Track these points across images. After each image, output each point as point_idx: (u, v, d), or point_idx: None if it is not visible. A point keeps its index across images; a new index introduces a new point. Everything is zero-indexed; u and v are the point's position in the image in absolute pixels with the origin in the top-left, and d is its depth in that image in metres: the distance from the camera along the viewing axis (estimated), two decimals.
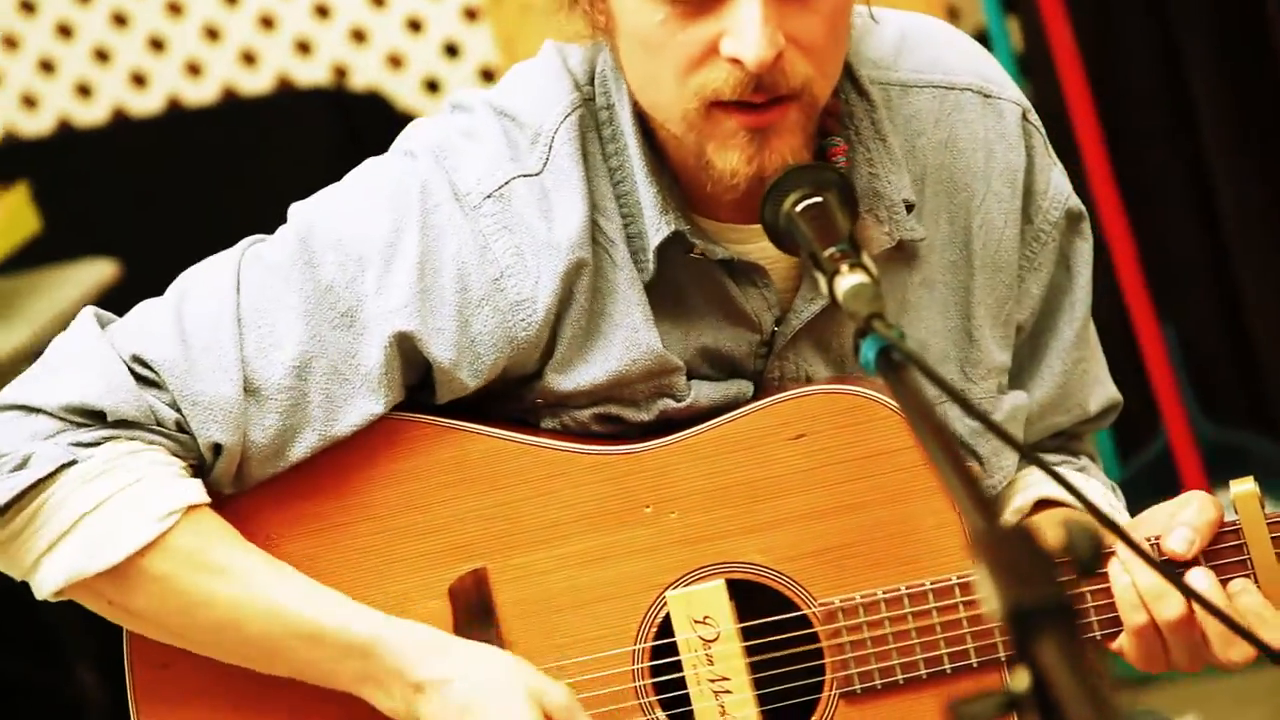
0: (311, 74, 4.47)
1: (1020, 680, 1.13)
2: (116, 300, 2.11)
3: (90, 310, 1.86)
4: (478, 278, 1.81)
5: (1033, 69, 4.30)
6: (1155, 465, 4.10)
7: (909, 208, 1.84)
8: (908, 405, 1.40)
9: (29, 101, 4.54)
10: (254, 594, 1.81)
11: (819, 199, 1.64)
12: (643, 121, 1.82)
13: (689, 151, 1.78)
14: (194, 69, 4.53)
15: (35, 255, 4.03)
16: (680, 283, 1.84)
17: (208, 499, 1.83)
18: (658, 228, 1.80)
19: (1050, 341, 1.95)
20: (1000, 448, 1.91)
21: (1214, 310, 4.29)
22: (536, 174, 1.82)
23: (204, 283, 1.85)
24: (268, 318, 1.82)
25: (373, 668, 1.81)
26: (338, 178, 1.93)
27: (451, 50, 4.46)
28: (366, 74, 4.46)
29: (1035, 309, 1.93)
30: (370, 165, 1.89)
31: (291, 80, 4.50)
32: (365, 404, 1.82)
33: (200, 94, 4.53)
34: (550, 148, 1.82)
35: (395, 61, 4.47)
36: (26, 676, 4.02)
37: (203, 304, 1.83)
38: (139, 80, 4.56)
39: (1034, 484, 1.94)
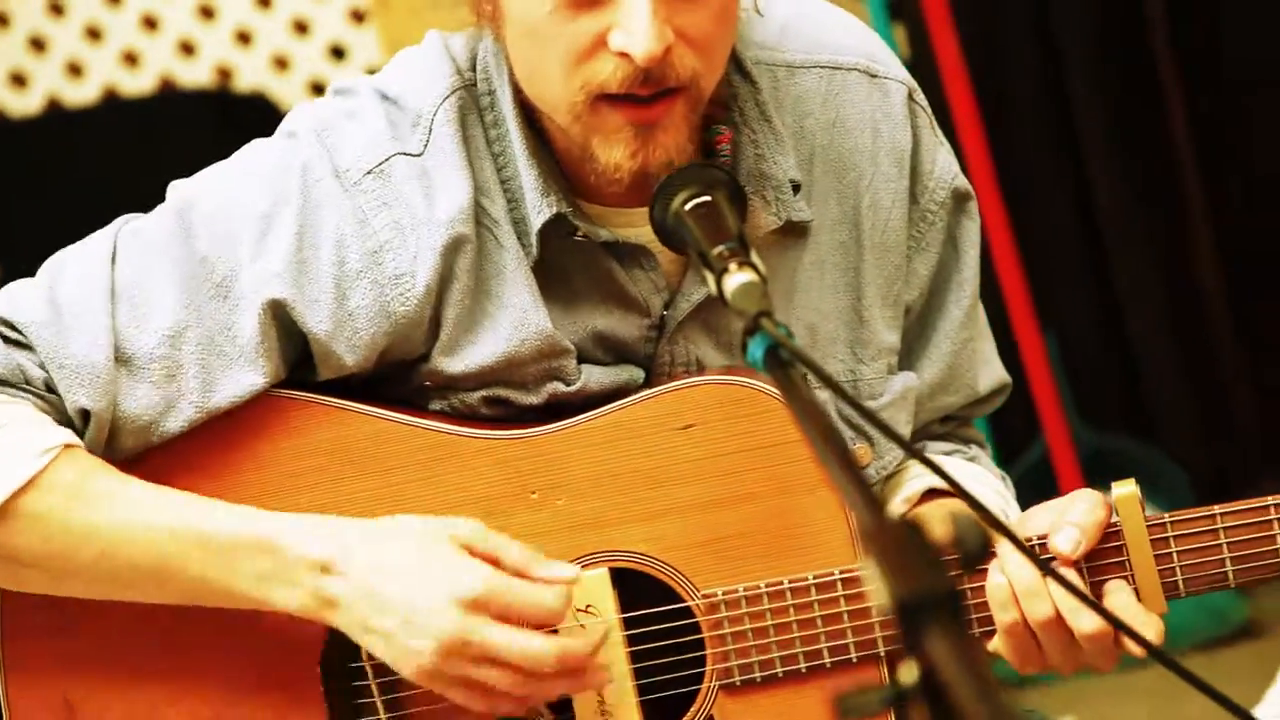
0: (195, 75, 4.43)
1: (908, 673, 1.13)
2: None
3: None
4: (356, 250, 1.80)
5: (918, 76, 4.33)
6: (1034, 469, 4.15)
7: (795, 188, 1.85)
8: (795, 403, 1.41)
9: None
10: (140, 514, 1.77)
11: (707, 198, 1.65)
12: (525, 107, 1.82)
13: (574, 143, 1.78)
14: (75, 69, 4.48)
15: None
16: (567, 266, 1.84)
17: (79, 440, 1.80)
18: (539, 210, 1.80)
19: (939, 321, 1.96)
20: (912, 426, 1.92)
21: (1093, 317, 4.34)
22: (418, 155, 1.82)
23: (78, 257, 1.84)
24: (142, 289, 1.80)
25: (272, 562, 1.75)
26: None
27: (338, 52, 4.44)
28: (251, 76, 4.42)
29: (924, 289, 1.94)
30: (253, 145, 1.89)
31: (175, 81, 4.46)
32: (244, 376, 1.80)
33: (82, 95, 4.48)
34: (431, 130, 1.82)
35: (280, 63, 4.44)
36: None
37: (76, 275, 1.81)
38: (19, 80, 4.50)
39: (922, 473, 1.95)
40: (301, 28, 4.41)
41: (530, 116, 1.82)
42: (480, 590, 1.73)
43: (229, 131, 4.56)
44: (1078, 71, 4.21)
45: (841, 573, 1.80)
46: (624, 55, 1.69)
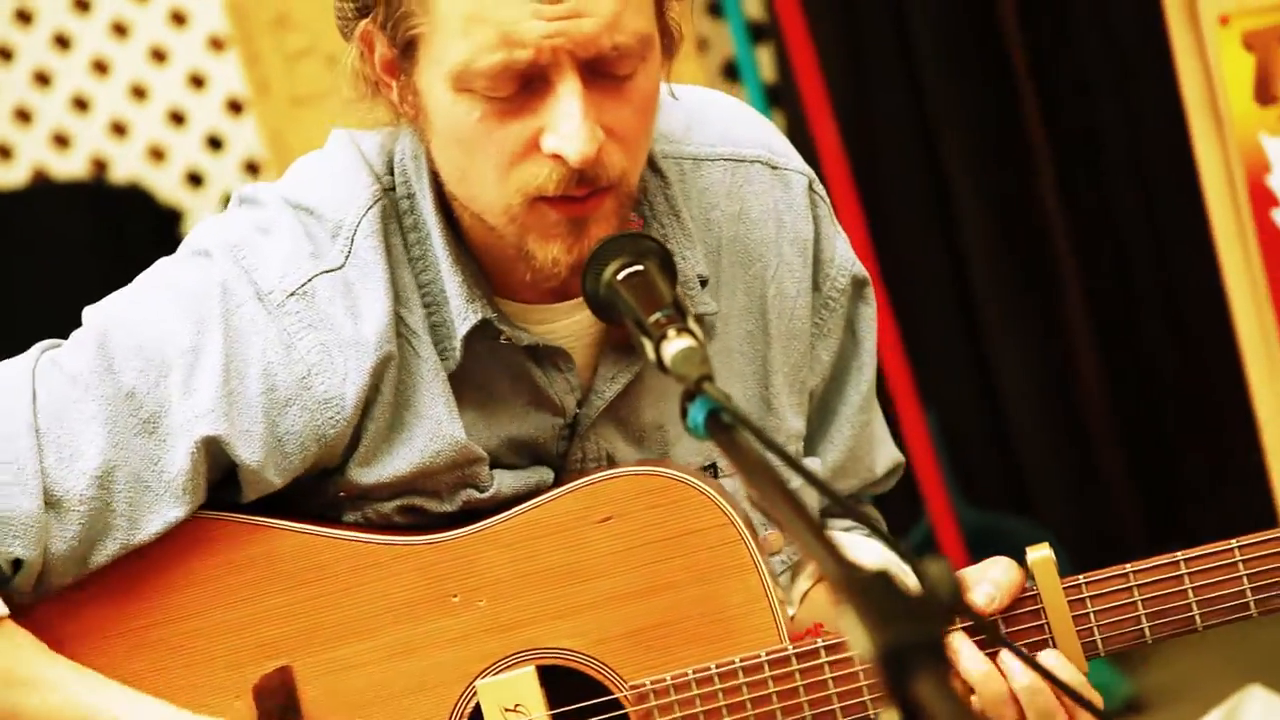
0: (70, 166, 4.38)
1: None
2: None
3: None
4: (284, 377, 1.79)
5: (782, 100, 4.34)
6: (920, 548, 4.19)
7: (703, 283, 1.87)
8: (740, 463, 1.41)
9: None
10: (64, 706, 1.76)
11: (639, 266, 1.66)
12: (445, 209, 1.82)
13: (507, 243, 1.77)
14: None
15: None
16: (484, 370, 1.84)
17: (6, 610, 1.78)
18: (464, 316, 1.80)
19: (839, 407, 1.99)
20: (818, 504, 1.94)
21: (972, 396, 4.40)
22: (339, 268, 1.80)
23: None
24: (67, 427, 1.77)
25: None
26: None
27: (215, 143, 4.41)
28: (127, 166, 4.38)
29: (825, 375, 1.97)
30: (164, 266, 1.86)
31: (48, 173, 4.40)
32: (169, 510, 1.79)
33: None
34: (352, 241, 1.81)
35: (157, 154, 4.40)
36: None
37: None
38: None
39: (843, 544, 1.97)
40: (178, 118, 4.38)
41: (452, 218, 1.82)
42: None
43: (105, 222, 4.54)
44: (954, 155, 4.28)
45: (768, 655, 1.80)
46: (557, 158, 1.70)
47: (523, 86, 1.70)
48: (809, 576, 1.95)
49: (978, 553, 4.05)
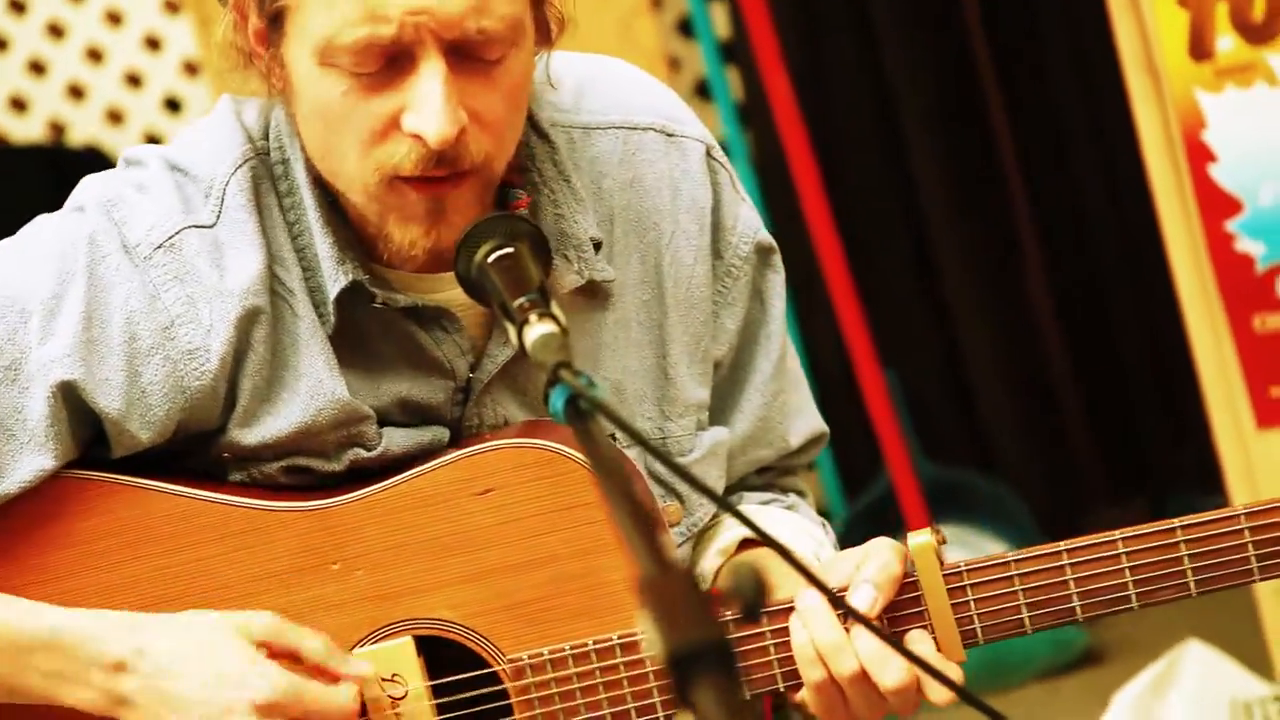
0: (27, 130, 4.38)
1: None
2: None
3: None
4: (147, 327, 1.79)
5: (753, 118, 4.38)
6: (879, 504, 4.19)
7: (597, 246, 1.86)
8: (591, 453, 1.41)
9: None
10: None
11: (510, 249, 1.65)
12: (320, 175, 1.81)
13: (368, 221, 1.78)
14: None
15: None
16: (367, 333, 1.84)
17: None
18: (335, 278, 1.80)
19: (749, 375, 1.97)
20: (739, 473, 1.93)
21: (933, 355, 4.40)
22: (210, 226, 1.81)
23: None
24: None
25: (64, 661, 1.74)
26: None
27: (172, 104, 4.40)
28: (85, 129, 4.38)
29: (732, 344, 1.95)
30: (39, 221, 1.87)
31: (6, 137, 4.40)
32: (34, 459, 1.78)
33: None
34: (223, 200, 1.81)
35: (115, 117, 4.40)
36: None
37: None
38: None
39: (736, 524, 1.94)
40: (135, 80, 4.37)
41: (325, 184, 1.82)
42: (271, 696, 1.74)
43: (63, 187, 4.53)
44: (913, 123, 4.27)
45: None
46: (417, 138, 1.69)
47: (388, 64, 1.69)
48: (720, 553, 1.94)
49: (937, 508, 4.06)
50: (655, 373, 1.91)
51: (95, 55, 4.37)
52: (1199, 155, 2.91)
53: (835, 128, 4.27)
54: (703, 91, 4.42)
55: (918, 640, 1.76)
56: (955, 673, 1.74)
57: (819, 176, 3.89)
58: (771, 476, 2.04)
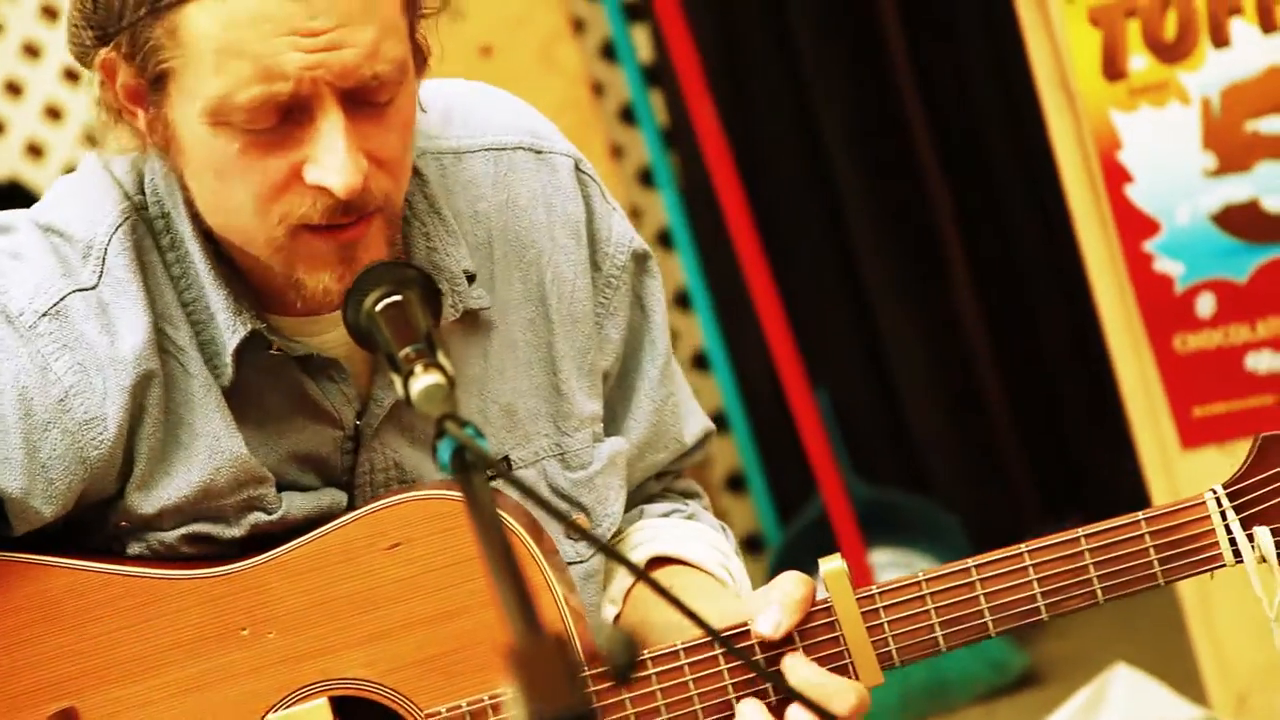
0: None
1: None
2: None
3: None
4: (41, 400, 1.75)
5: (678, 141, 4.37)
6: (813, 526, 4.18)
7: (470, 279, 1.85)
8: (472, 506, 1.40)
9: None
10: None
11: (398, 297, 1.64)
12: (204, 227, 1.79)
13: (275, 272, 1.75)
14: None
15: None
16: (259, 386, 1.81)
17: None
18: (233, 329, 1.78)
19: (637, 382, 1.97)
20: (604, 496, 1.92)
21: (863, 374, 4.39)
22: (93, 288, 1.78)
23: None
24: None
25: None
26: None
27: (93, 139, 4.36)
28: (5, 163, 4.34)
29: (618, 353, 1.95)
30: None
31: None
32: None
33: None
34: (104, 260, 1.78)
35: (35, 150, 4.36)
36: None
37: None
38: None
39: (646, 540, 1.95)
40: (55, 114, 4.34)
41: (212, 235, 1.79)
42: None
43: None
44: (837, 138, 4.28)
45: None
46: (322, 189, 1.68)
47: (284, 118, 1.68)
48: (628, 573, 1.93)
49: (871, 528, 4.05)
50: (547, 390, 1.91)
51: (14, 90, 4.33)
52: (1115, 175, 2.92)
53: (760, 149, 4.27)
54: (627, 116, 4.41)
55: (799, 666, 1.75)
56: (858, 690, 1.74)
57: (745, 198, 3.90)
58: (668, 481, 2.04)
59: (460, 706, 1.79)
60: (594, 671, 1.73)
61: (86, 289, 1.77)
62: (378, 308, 1.63)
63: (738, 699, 1.76)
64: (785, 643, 1.76)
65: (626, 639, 1.19)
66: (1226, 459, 2.86)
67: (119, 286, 1.77)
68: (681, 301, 4.40)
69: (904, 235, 4.29)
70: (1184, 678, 3.10)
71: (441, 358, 1.54)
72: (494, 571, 1.28)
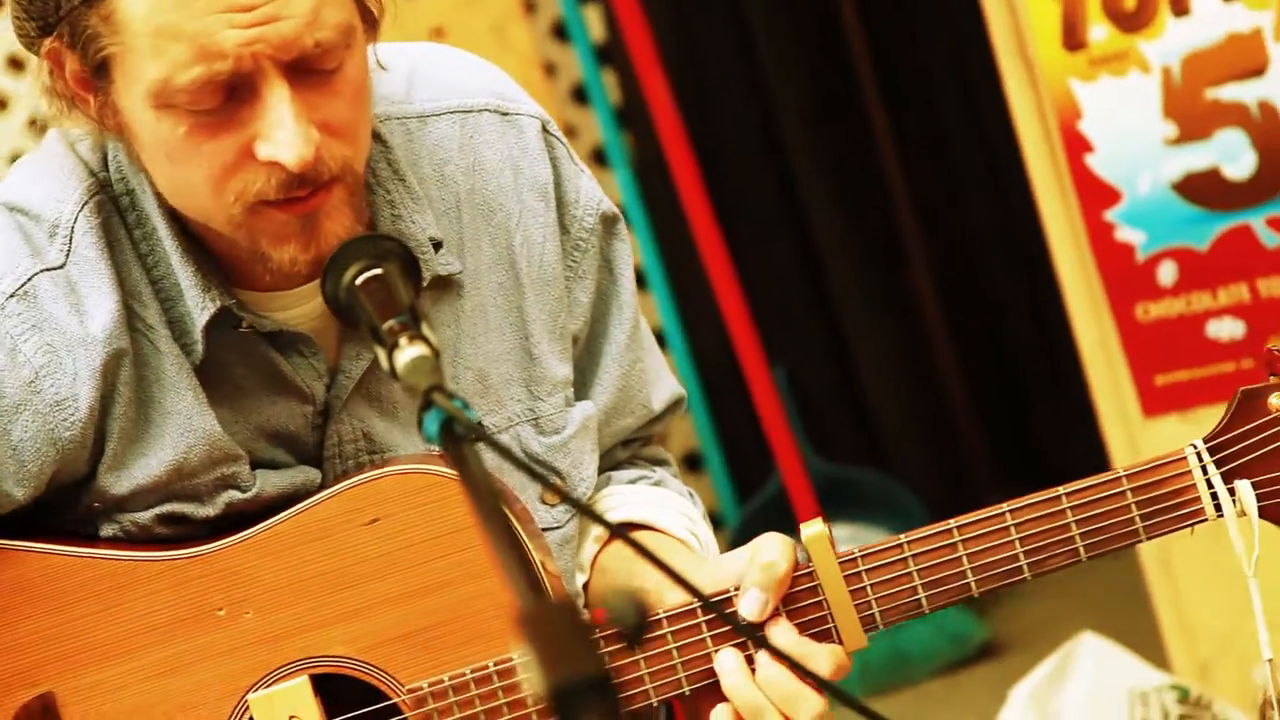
0: None
1: None
2: None
3: None
4: (11, 382, 1.74)
5: (631, 121, 4.36)
6: (771, 504, 4.18)
7: (436, 246, 1.83)
8: (466, 477, 1.39)
9: None
10: None
11: (378, 270, 1.62)
12: (169, 205, 1.77)
13: (241, 247, 1.74)
14: None
15: None
16: (229, 362, 1.80)
17: None
18: (202, 306, 1.76)
19: (605, 346, 1.96)
20: (579, 460, 1.91)
21: (821, 351, 4.40)
22: (60, 267, 1.76)
23: None
24: None
25: None
26: None
27: (41, 127, 4.31)
28: None
29: (586, 317, 1.94)
30: None
31: None
32: None
33: None
34: (71, 239, 1.76)
35: None
36: None
37: None
38: None
39: (618, 506, 1.95)
40: (1, 104, 4.30)
41: (175, 213, 1.77)
42: None
43: None
44: (791, 115, 4.27)
45: None
46: (274, 164, 1.66)
47: (228, 96, 1.66)
48: (596, 540, 1.92)
49: (830, 505, 4.06)
50: (519, 354, 1.89)
51: None
52: (1076, 145, 2.93)
53: (714, 128, 4.26)
54: (580, 96, 4.39)
55: (779, 633, 1.75)
56: (836, 654, 1.74)
57: (699, 177, 3.89)
58: (636, 448, 2.03)
59: (442, 680, 1.78)
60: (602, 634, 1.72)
61: (54, 268, 1.75)
62: (358, 281, 1.61)
63: (716, 652, 1.75)
64: None
65: (635, 601, 1.19)
66: (1189, 427, 2.88)
67: (87, 265, 1.75)
68: (637, 281, 4.39)
69: (861, 210, 4.29)
70: (1145, 646, 3.12)
71: (426, 329, 1.53)
72: (494, 541, 1.27)
